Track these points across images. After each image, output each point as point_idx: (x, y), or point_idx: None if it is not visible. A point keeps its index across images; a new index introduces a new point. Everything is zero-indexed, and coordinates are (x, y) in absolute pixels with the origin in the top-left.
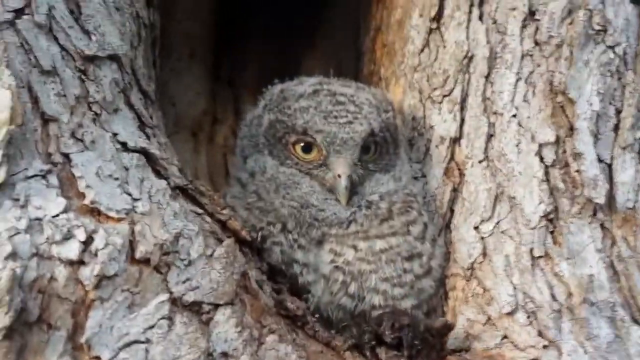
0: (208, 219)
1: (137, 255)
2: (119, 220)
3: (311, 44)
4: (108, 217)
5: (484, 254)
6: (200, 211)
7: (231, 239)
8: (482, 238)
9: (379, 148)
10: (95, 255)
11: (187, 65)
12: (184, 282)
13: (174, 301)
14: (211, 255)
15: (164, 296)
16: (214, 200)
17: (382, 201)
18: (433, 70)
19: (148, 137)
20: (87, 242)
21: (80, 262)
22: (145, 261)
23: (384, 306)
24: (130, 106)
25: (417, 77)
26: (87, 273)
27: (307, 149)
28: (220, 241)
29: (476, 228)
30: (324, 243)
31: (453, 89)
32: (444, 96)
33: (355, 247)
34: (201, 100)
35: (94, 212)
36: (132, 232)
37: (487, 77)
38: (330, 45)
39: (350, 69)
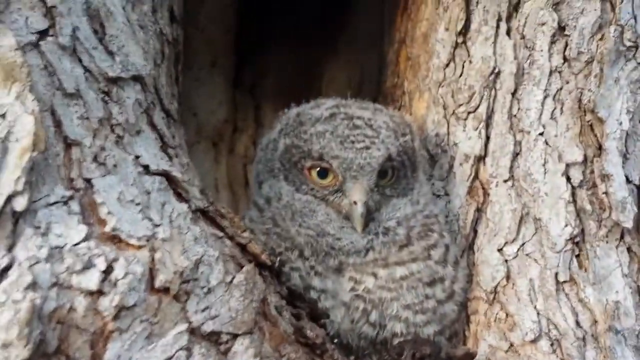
0: (228, 242)
1: (157, 284)
2: (140, 247)
3: (334, 50)
4: (129, 245)
5: (508, 277)
6: (221, 234)
7: (251, 264)
8: (506, 260)
9: (396, 172)
10: (115, 285)
11: (209, 73)
12: (203, 310)
13: (193, 331)
14: (231, 282)
15: (183, 326)
16: (234, 223)
17: (399, 227)
18: (458, 85)
19: (170, 158)
20: (107, 272)
21: (100, 292)
22: (165, 290)
23: (406, 334)
24: (153, 127)
25: (442, 92)
26: (107, 303)
27: (323, 174)
28: (240, 266)
29: (500, 250)
30: (343, 271)
31: (479, 105)
32: (469, 112)
33: (375, 275)
34: (222, 109)
35: (115, 239)
36: (153, 259)
37: (513, 93)
38: (353, 52)
39: (373, 77)
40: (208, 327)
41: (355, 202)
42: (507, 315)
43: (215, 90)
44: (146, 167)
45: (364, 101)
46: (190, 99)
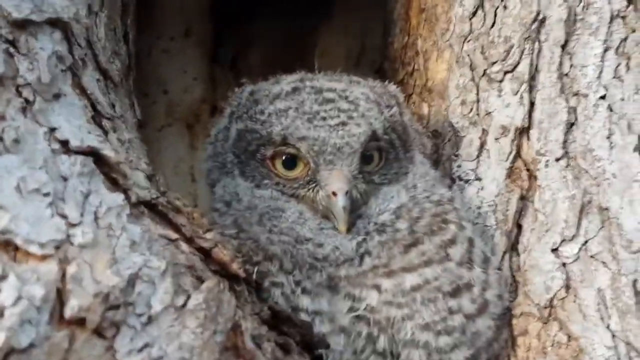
0: (184, 246)
1: (68, 312)
2: (44, 258)
3: (328, 17)
4: (27, 254)
5: (567, 286)
6: (175, 236)
7: (215, 277)
8: (564, 264)
9: (384, 155)
10: (1, 315)
11: (182, 45)
12: (139, 350)
13: None
14: (184, 306)
15: None
16: (194, 219)
17: (399, 220)
18: (490, 38)
19: (105, 133)
20: None
21: None
22: (79, 322)
23: None
24: (81, 90)
25: (468, 48)
26: None
27: (290, 163)
28: (201, 281)
29: (555, 250)
30: (337, 286)
31: (518, 62)
32: (506, 72)
33: (378, 288)
34: (198, 86)
35: (7, 246)
36: (63, 276)
37: (564, 46)
38: (352, 18)
39: (376, 46)
40: None
41: (334, 193)
42: (569, 337)
43: (189, 64)
44: (64, 143)
45: (337, 74)
46: (159, 73)
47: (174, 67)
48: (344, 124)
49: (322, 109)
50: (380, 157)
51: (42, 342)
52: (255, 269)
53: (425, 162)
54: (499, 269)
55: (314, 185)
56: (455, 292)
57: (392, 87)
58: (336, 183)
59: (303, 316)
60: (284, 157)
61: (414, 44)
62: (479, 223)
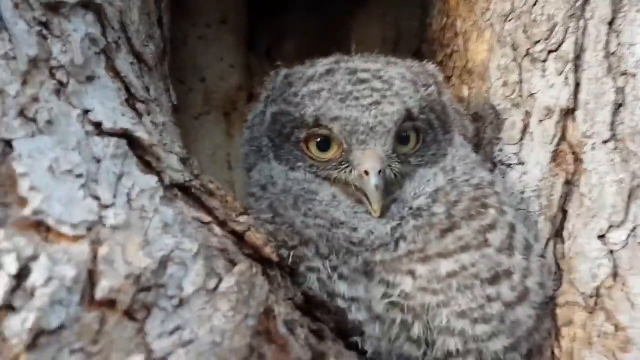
0: (218, 230)
1: (99, 294)
2: (76, 239)
3: (364, 4)
4: (59, 235)
5: (615, 274)
6: (208, 219)
7: (248, 261)
8: (612, 252)
9: (422, 136)
10: (32, 295)
11: (218, 32)
12: (171, 333)
13: None
14: (216, 289)
15: (138, 358)
16: (227, 203)
17: (435, 204)
18: (533, 17)
19: (139, 115)
20: (21, 276)
21: (8, 308)
22: (111, 303)
23: (465, 352)
24: (115, 73)
25: (510, 28)
26: (17, 325)
27: (324, 145)
28: (233, 264)
29: (602, 237)
30: (372, 273)
31: (563, 41)
32: (550, 52)
33: (412, 274)
34: (235, 74)
35: (39, 227)
36: (94, 257)
37: (610, 23)
38: (387, 3)
39: (413, 32)
40: (179, 359)
41: (366, 172)
42: (616, 328)
43: (225, 51)
44: (98, 125)
45: (374, 55)
46: (195, 60)
47: (211, 54)
48: (377, 103)
49: (355, 89)
50: (418, 138)
51: (73, 324)
52: (291, 254)
53: (465, 144)
54: (542, 256)
55: (347, 166)
56: (493, 280)
57: (431, 66)
58: (369, 162)
59: (340, 302)
60: (318, 140)
61: (453, 25)
62: (522, 209)
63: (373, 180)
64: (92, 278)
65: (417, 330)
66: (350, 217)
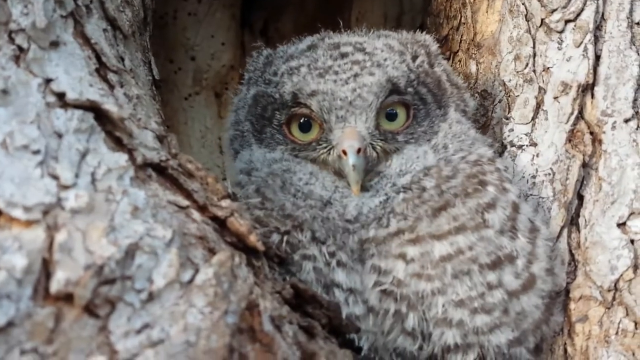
0: (197, 214)
1: (54, 287)
2: (29, 224)
3: None
4: (10, 219)
5: (636, 266)
6: (185, 202)
7: (229, 249)
8: (633, 241)
9: (412, 112)
10: None
11: (210, 8)
12: (138, 332)
13: None
14: (190, 282)
15: (101, 359)
16: (207, 185)
17: (426, 178)
18: None
19: (110, 87)
20: None
21: None
22: (67, 297)
23: (464, 346)
24: (85, 40)
25: None
26: None
27: (306, 126)
28: (213, 253)
29: (622, 225)
30: (365, 258)
31: (582, 9)
32: (568, 21)
33: (403, 257)
34: (227, 52)
35: None
36: (50, 245)
37: None
38: None
39: (417, 5)
40: None
41: (344, 152)
42: (636, 325)
43: (217, 29)
44: (61, 96)
45: (372, 30)
46: (185, 38)
47: (202, 31)
48: (356, 75)
49: (336, 63)
50: (408, 114)
51: (23, 320)
52: (285, 239)
53: (462, 120)
54: (550, 240)
55: (326, 146)
56: (494, 265)
57: (423, 37)
58: (347, 141)
59: (337, 293)
60: (300, 121)
61: None
62: (533, 195)
63: (351, 160)
64: (46, 268)
65: (411, 321)
66: (331, 191)
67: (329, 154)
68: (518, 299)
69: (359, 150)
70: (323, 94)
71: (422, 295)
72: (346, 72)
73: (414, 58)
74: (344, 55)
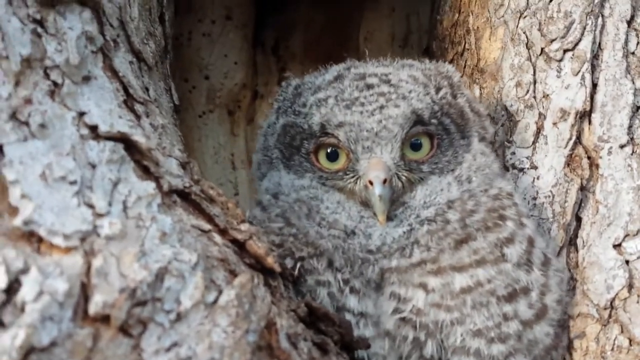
0: (218, 238)
1: (92, 309)
2: (68, 250)
3: None
4: (51, 246)
5: (631, 285)
6: (207, 227)
7: (249, 271)
8: (627, 262)
9: (436, 142)
10: (22, 310)
11: (223, 29)
12: (167, 350)
13: None
14: (215, 303)
15: None
16: (228, 210)
17: (450, 211)
18: (549, 13)
19: (137, 118)
20: (10, 291)
21: None
22: (104, 319)
23: None
24: (113, 73)
25: (524, 25)
26: (7, 342)
27: (333, 156)
28: (234, 275)
29: (618, 246)
30: (384, 285)
31: (580, 39)
32: (566, 51)
33: (424, 287)
34: (239, 71)
35: (30, 237)
36: (88, 270)
37: (630, 22)
38: None
39: (424, 27)
40: None
41: (370, 182)
42: (631, 341)
43: (230, 48)
44: (93, 129)
45: (388, 59)
46: (199, 57)
47: (215, 51)
48: (381, 107)
49: (362, 95)
50: (432, 144)
51: (65, 341)
52: (298, 265)
53: (486, 151)
54: (560, 271)
55: (353, 175)
56: (511, 297)
57: (446, 67)
58: (373, 171)
59: (348, 317)
60: (327, 150)
61: (465, 22)
62: (534, 215)
63: (377, 190)
64: (85, 292)
65: (430, 348)
66: (356, 221)
67: (356, 183)
68: (532, 328)
69: (384, 181)
70: (350, 125)
71: (441, 324)
72: (372, 103)
73: (438, 90)
74: (369, 87)
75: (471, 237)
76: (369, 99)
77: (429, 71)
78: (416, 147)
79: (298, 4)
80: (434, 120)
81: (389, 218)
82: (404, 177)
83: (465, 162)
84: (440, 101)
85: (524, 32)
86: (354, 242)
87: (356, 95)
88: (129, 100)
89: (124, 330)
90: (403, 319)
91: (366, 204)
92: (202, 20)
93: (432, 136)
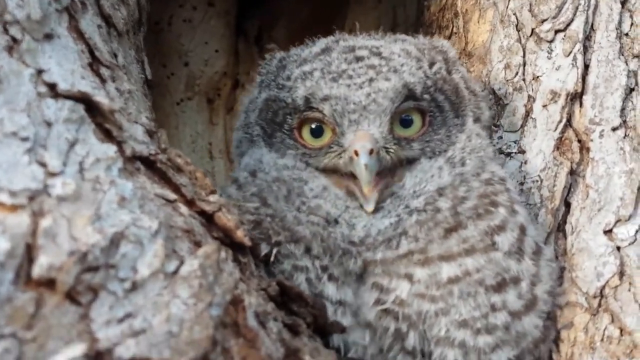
0: (184, 208)
1: (36, 271)
2: (14, 208)
3: None
4: None
5: (622, 273)
6: (173, 196)
7: (215, 243)
8: (619, 248)
9: (428, 119)
10: None
11: (205, 15)
12: (120, 321)
13: (98, 357)
14: (175, 273)
15: (79, 348)
16: (196, 180)
17: (441, 198)
18: None
19: (102, 81)
20: None
21: None
22: (49, 283)
23: None
24: (79, 34)
25: (514, 5)
26: None
27: (317, 131)
28: (199, 247)
29: (608, 232)
30: (366, 275)
31: (572, 20)
32: (557, 31)
33: (409, 278)
34: (220, 59)
35: None
36: (34, 230)
37: (624, 2)
38: None
39: (410, 17)
40: (126, 353)
41: (356, 153)
42: (621, 331)
43: (212, 35)
44: (52, 87)
45: (387, 33)
46: (180, 44)
47: (196, 38)
48: (371, 80)
49: (350, 67)
50: (423, 121)
51: (3, 305)
52: (274, 251)
53: (481, 133)
54: (551, 260)
55: (338, 150)
56: (500, 287)
57: (441, 42)
58: (359, 142)
59: (326, 305)
60: (312, 126)
61: (453, 5)
62: (521, 201)
63: (363, 159)
64: (29, 253)
65: (412, 340)
66: (341, 210)
67: (340, 157)
68: (520, 320)
69: (371, 152)
70: (336, 98)
71: (425, 315)
72: (361, 76)
73: (431, 64)
74: (359, 59)
75: (461, 225)
76: (357, 71)
77: (422, 45)
78: (406, 123)
79: None
80: (426, 96)
81: (376, 209)
82: (392, 152)
83: (458, 142)
84: (433, 76)
85: (514, 13)
86: (336, 231)
87: (344, 68)
88: (94, 64)
89: (71, 297)
90: (385, 310)
91: (352, 192)
92: (183, 5)
93: (424, 113)
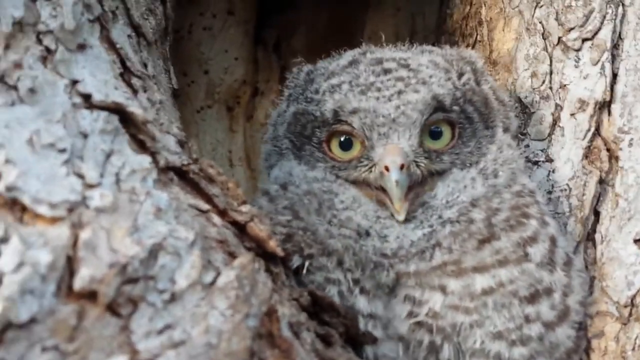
0: (217, 219)
1: (77, 284)
2: (54, 220)
3: None
4: (36, 216)
5: None
6: (206, 207)
7: (250, 253)
8: None
9: (457, 131)
10: (0, 282)
11: (225, 24)
12: (159, 332)
13: None
14: (213, 284)
15: (122, 358)
16: (228, 190)
17: (475, 209)
18: (566, 2)
19: (134, 91)
20: None
21: None
22: (91, 295)
23: None
24: (110, 44)
25: (541, 14)
26: None
27: (346, 144)
28: (233, 257)
29: (638, 241)
30: (398, 287)
31: (599, 28)
32: (585, 40)
33: (443, 289)
34: (240, 67)
35: (13, 205)
36: (75, 242)
37: None
38: None
39: (430, 27)
40: None
41: (386, 168)
42: None
43: (231, 44)
44: (87, 97)
45: (413, 45)
46: (200, 52)
47: (216, 46)
48: (400, 92)
49: (378, 79)
50: (453, 133)
51: (46, 317)
52: (306, 263)
53: (512, 143)
54: (582, 271)
55: (367, 164)
56: (533, 298)
57: (469, 53)
58: (389, 156)
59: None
60: (341, 139)
61: (477, 13)
62: (549, 210)
63: (394, 176)
64: (70, 265)
65: (446, 353)
66: (372, 221)
67: (371, 171)
68: (554, 330)
69: (402, 167)
70: (365, 111)
71: (459, 327)
72: (389, 89)
73: (460, 75)
74: (387, 72)
75: (495, 236)
76: (386, 83)
77: (450, 56)
78: (436, 135)
79: (301, 4)
80: (455, 107)
81: (408, 220)
82: (422, 165)
83: (489, 153)
84: (462, 87)
85: (540, 22)
86: (367, 244)
87: (372, 80)
88: (125, 74)
89: (112, 309)
90: (418, 323)
91: (383, 202)
92: (204, 13)
93: (454, 124)
